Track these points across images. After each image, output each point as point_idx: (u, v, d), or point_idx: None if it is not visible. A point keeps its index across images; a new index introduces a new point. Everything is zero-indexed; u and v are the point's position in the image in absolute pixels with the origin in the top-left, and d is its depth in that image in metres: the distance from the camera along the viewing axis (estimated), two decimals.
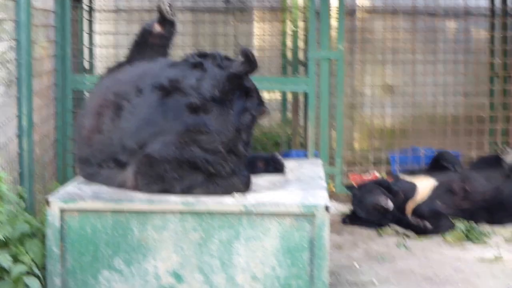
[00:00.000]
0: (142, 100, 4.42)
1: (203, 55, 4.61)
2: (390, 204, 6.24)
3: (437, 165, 6.77)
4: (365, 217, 6.37)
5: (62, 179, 6.40)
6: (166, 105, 4.37)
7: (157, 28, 5.11)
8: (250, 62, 4.43)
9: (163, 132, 4.32)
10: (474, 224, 6.25)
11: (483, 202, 6.42)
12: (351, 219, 6.47)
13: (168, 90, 4.41)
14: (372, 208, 6.31)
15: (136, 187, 4.40)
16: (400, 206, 6.36)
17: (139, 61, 4.92)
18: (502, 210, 6.41)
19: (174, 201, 4.20)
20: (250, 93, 4.52)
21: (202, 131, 4.30)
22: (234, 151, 4.35)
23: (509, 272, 5.27)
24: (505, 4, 8.79)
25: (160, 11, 5.07)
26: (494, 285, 5.00)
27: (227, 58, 4.56)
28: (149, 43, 5.09)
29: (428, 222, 6.20)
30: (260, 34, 9.13)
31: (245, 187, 4.42)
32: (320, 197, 4.35)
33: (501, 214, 6.41)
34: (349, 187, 6.75)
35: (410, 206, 6.38)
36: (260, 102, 4.62)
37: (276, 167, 5.17)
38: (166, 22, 5.09)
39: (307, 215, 4.14)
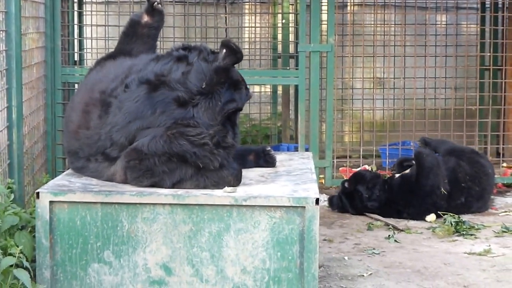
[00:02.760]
0: (129, 95, 4.40)
1: (187, 48, 4.58)
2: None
3: (402, 167, 6.91)
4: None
5: (52, 171, 6.39)
6: (153, 99, 4.34)
7: (146, 18, 5.09)
8: (235, 53, 4.39)
9: (152, 126, 4.30)
10: (463, 218, 6.28)
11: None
12: (346, 195, 6.62)
13: (155, 84, 4.39)
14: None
15: (126, 181, 4.38)
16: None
17: (124, 56, 4.90)
18: None
19: (164, 193, 4.19)
20: (239, 85, 4.50)
21: (190, 124, 4.27)
22: (223, 144, 4.32)
23: (498, 265, 5.28)
24: None
25: (149, 0, 5.05)
26: (483, 278, 5.02)
27: (212, 52, 4.53)
28: (139, 34, 5.07)
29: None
30: (251, 27, 9.11)
31: (236, 180, 4.41)
32: (310, 190, 4.34)
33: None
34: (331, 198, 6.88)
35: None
36: (246, 88, 4.63)
37: (266, 160, 5.16)
38: (155, 12, 5.08)
39: (297, 208, 4.14)
